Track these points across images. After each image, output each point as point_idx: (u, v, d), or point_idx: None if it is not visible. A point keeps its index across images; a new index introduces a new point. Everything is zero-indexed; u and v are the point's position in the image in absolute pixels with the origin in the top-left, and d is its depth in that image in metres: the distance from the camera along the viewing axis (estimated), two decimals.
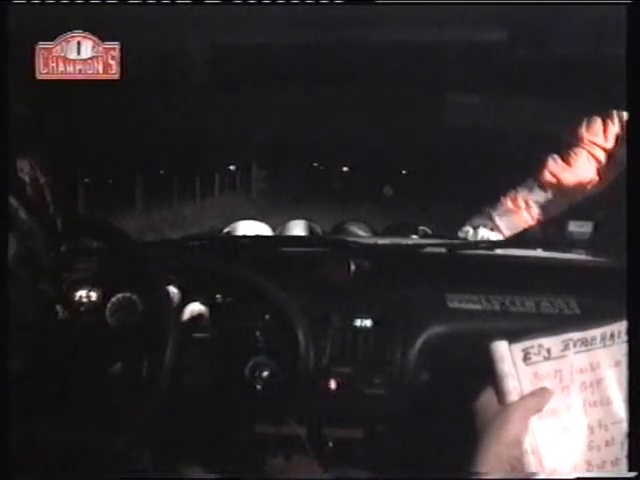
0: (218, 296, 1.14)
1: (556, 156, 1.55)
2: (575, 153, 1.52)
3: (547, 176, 1.56)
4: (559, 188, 1.56)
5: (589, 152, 1.50)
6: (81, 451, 0.76)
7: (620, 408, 0.60)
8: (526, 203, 1.59)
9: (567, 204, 1.60)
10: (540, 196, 1.58)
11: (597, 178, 1.54)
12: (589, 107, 1.31)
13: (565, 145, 1.52)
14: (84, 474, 0.72)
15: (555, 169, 1.54)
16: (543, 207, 1.60)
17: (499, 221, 1.59)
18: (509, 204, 1.60)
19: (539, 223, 1.62)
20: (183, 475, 0.94)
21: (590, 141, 1.48)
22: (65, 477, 0.70)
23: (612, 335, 0.61)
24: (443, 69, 0.80)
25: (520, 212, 1.60)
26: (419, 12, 0.69)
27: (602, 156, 1.49)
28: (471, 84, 0.88)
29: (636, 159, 0.63)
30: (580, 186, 1.54)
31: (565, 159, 1.53)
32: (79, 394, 0.86)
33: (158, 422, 0.88)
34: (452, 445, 0.64)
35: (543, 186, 1.57)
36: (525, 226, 1.61)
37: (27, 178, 0.69)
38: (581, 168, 1.52)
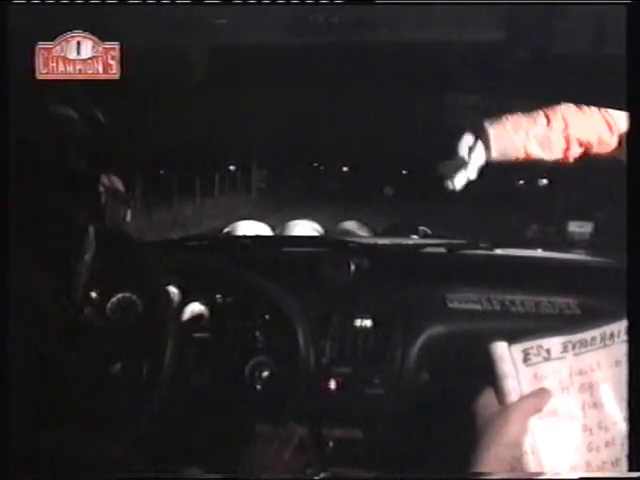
0: (218, 296, 1.14)
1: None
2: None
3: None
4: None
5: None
6: (80, 451, 0.76)
7: (620, 409, 0.60)
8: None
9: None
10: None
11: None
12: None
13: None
14: (84, 474, 0.71)
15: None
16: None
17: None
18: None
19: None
20: (183, 475, 0.94)
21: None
22: (65, 477, 0.70)
23: (612, 335, 0.61)
24: (443, 69, 0.80)
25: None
26: (419, 12, 0.69)
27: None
28: (471, 84, 0.88)
29: (636, 159, 0.63)
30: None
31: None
32: (79, 394, 0.86)
33: (158, 422, 0.88)
34: (452, 445, 0.64)
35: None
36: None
37: (27, 178, 0.69)
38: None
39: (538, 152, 1.32)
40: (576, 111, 1.33)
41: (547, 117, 1.32)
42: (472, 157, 1.28)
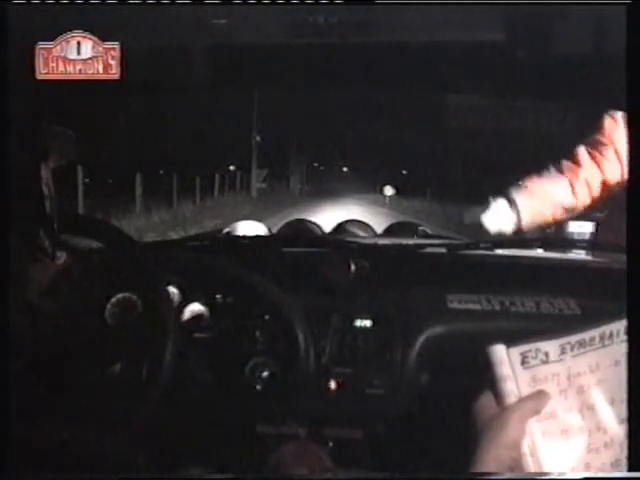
0: (218, 296, 1.14)
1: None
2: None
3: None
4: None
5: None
6: (81, 451, 0.76)
7: (619, 410, 0.60)
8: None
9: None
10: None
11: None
12: (589, 107, 1.30)
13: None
14: (84, 474, 0.71)
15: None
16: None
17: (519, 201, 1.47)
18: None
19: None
20: (183, 475, 0.94)
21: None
22: (65, 477, 0.70)
23: (611, 335, 0.61)
24: (443, 69, 0.80)
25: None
26: (419, 13, 0.69)
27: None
28: (471, 84, 0.88)
29: (636, 159, 0.63)
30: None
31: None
32: (79, 394, 0.86)
33: (158, 422, 0.88)
34: (451, 446, 0.64)
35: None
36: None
37: (28, 179, 0.69)
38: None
39: (564, 217, 1.52)
40: (598, 173, 1.44)
41: (571, 185, 1.44)
42: (501, 225, 1.47)
